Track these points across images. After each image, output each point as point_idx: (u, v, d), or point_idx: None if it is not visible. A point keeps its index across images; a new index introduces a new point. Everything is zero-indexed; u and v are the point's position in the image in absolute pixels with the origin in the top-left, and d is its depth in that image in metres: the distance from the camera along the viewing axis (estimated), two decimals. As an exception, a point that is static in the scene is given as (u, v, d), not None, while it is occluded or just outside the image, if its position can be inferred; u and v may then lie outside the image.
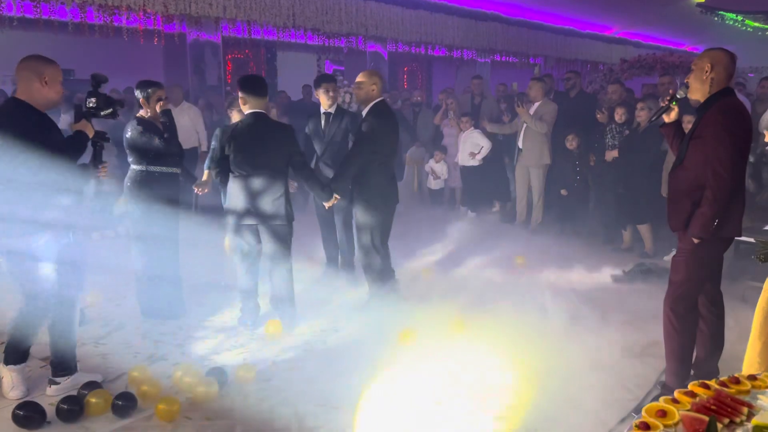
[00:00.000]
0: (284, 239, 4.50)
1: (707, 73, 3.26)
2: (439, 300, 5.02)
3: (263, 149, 4.36)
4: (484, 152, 8.28)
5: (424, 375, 3.76)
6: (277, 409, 3.44)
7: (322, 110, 5.47)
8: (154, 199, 4.48)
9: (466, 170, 8.54)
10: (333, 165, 5.27)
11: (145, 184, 4.51)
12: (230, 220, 4.50)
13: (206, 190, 5.01)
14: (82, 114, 3.59)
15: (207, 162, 5.21)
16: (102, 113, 3.63)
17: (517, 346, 4.07)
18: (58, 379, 3.60)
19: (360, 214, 4.87)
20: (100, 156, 3.62)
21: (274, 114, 8.80)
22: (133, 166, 4.56)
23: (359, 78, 4.85)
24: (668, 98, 3.48)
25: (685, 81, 3.42)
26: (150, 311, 4.72)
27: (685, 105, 3.62)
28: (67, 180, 3.35)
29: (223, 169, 4.53)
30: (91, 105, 3.58)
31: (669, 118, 3.52)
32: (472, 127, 8.42)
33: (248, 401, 3.53)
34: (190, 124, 8.10)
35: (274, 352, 4.17)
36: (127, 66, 10.30)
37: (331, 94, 5.40)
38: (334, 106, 5.43)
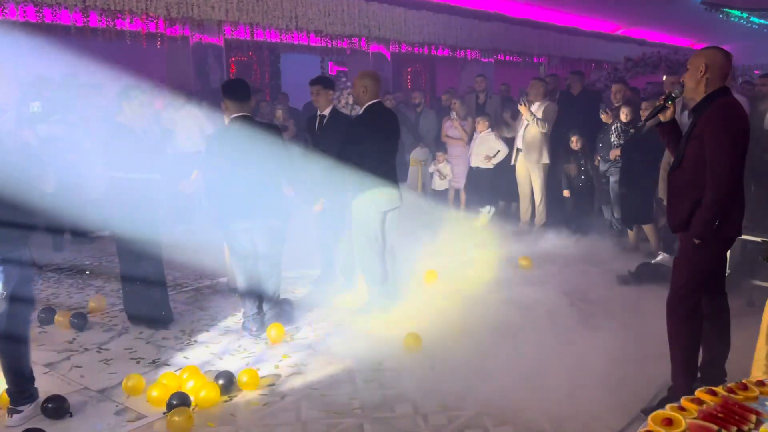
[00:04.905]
0: (278, 239, 4.50)
1: (702, 73, 3.23)
2: (442, 303, 4.99)
3: (251, 151, 4.32)
4: (501, 157, 8.03)
5: (429, 380, 3.74)
6: (281, 415, 3.42)
7: (318, 113, 5.48)
8: (132, 206, 4.41)
9: (474, 171, 8.43)
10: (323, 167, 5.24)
11: (122, 191, 4.43)
12: (224, 224, 4.48)
13: (189, 189, 5.02)
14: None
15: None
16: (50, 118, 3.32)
17: (520, 348, 4.05)
18: (20, 408, 3.38)
19: (353, 216, 4.89)
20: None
21: (279, 116, 8.79)
22: (109, 173, 4.48)
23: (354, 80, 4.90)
24: (663, 97, 3.45)
25: (680, 80, 3.39)
26: (136, 318, 4.68)
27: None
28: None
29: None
30: (35, 110, 3.28)
31: (665, 117, 3.48)
32: (489, 129, 8.18)
33: (252, 406, 3.52)
34: (196, 128, 8.09)
35: (278, 356, 4.15)
36: (130, 70, 10.30)
37: (316, 97, 5.39)
38: (327, 109, 5.40)
